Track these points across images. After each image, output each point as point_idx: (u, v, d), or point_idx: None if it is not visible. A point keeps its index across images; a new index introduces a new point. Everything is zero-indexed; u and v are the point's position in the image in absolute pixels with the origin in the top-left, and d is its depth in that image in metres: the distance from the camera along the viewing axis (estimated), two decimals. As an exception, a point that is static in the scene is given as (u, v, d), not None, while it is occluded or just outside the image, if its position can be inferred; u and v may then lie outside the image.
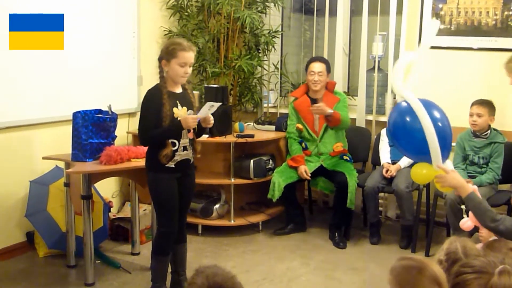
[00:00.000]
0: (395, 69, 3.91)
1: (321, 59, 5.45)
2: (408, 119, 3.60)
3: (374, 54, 5.85)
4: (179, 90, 3.86)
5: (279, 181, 5.27)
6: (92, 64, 5.22)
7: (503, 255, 2.19)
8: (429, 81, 5.52)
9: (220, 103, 3.84)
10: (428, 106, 3.48)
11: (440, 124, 3.41)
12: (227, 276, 1.88)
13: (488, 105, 4.87)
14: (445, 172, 3.25)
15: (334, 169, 5.30)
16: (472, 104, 4.92)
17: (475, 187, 3.19)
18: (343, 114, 5.30)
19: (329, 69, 5.40)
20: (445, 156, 3.39)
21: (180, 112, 3.77)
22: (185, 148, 3.84)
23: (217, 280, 1.82)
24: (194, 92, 4.88)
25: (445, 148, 3.39)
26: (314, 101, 5.36)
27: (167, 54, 3.74)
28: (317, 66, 5.33)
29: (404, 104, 3.73)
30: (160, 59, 3.79)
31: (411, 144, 3.54)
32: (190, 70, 3.79)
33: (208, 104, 3.75)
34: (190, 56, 3.75)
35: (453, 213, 4.63)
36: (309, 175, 5.30)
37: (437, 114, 3.45)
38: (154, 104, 3.72)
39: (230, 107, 5.66)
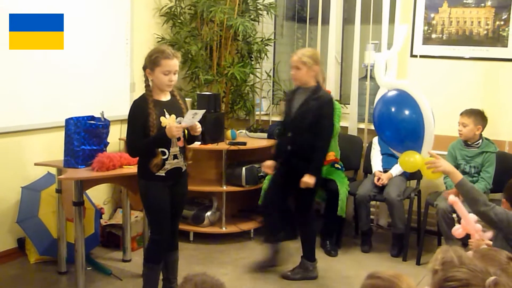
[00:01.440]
0: (376, 69, 4.04)
1: None
2: (393, 109, 3.71)
3: (366, 62, 5.87)
4: (166, 98, 3.82)
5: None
6: (85, 70, 5.22)
7: (503, 265, 2.18)
8: (421, 90, 5.54)
9: (204, 111, 3.77)
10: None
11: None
12: (216, 284, 1.87)
13: (474, 115, 4.89)
14: (436, 158, 3.33)
15: (326, 177, 5.29)
16: (460, 114, 4.96)
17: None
18: None
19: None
20: None
21: (167, 120, 3.73)
22: (175, 157, 3.81)
23: (205, 287, 1.82)
24: (186, 99, 4.88)
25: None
26: None
27: (150, 63, 3.69)
28: None
29: (389, 94, 3.80)
30: (144, 68, 3.74)
31: (397, 134, 3.64)
32: (175, 77, 3.74)
33: (191, 112, 3.68)
34: (174, 63, 3.69)
35: (445, 222, 4.65)
36: None
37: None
38: (140, 115, 3.68)
39: (222, 114, 5.67)
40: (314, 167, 4.47)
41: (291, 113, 4.51)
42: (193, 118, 3.70)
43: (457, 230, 3.29)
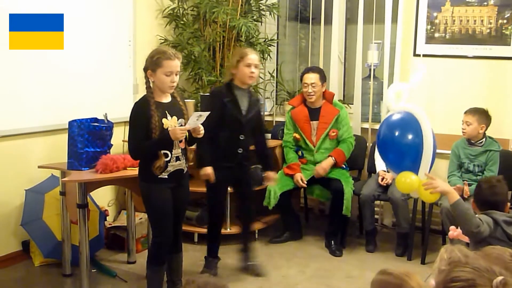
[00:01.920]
0: (386, 99, 4.11)
1: (314, 69, 5.41)
2: (397, 133, 3.77)
3: (369, 62, 5.87)
4: (167, 99, 3.81)
5: (275, 189, 5.27)
6: (88, 72, 5.22)
7: (507, 263, 2.17)
8: (424, 89, 5.54)
9: (208, 113, 3.75)
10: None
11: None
12: (219, 285, 1.87)
13: (478, 113, 4.89)
14: (433, 179, 3.40)
15: (330, 176, 5.30)
16: (464, 113, 4.95)
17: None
18: (344, 141, 5.38)
19: (323, 78, 5.37)
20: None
21: (169, 122, 3.73)
22: (178, 159, 3.80)
23: None
24: (189, 100, 4.89)
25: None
26: (311, 110, 5.38)
27: (152, 64, 3.67)
28: (310, 78, 5.29)
29: (393, 118, 3.86)
30: (145, 70, 3.73)
31: (398, 158, 3.69)
32: (177, 78, 3.73)
33: (196, 114, 3.67)
34: (176, 64, 3.68)
35: (449, 221, 4.63)
36: (305, 182, 5.30)
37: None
38: (142, 116, 3.67)
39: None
40: (271, 163, 4.84)
41: (241, 115, 4.45)
42: (197, 120, 3.69)
43: (451, 231, 3.42)
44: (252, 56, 4.41)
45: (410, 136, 3.69)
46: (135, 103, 3.79)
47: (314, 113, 5.37)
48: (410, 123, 3.72)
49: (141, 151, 3.75)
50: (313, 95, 5.28)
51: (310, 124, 5.37)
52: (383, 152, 3.98)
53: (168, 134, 3.65)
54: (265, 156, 4.73)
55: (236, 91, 4.44)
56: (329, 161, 5.31)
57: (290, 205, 5.55)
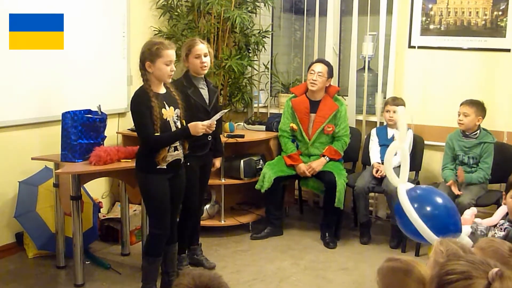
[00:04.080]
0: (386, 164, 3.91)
1: (325, 62, 5.40)
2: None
3: (364, 54, 5.86)
4: (163, 90, 3.83)
5: (269, 173, 5.27)
6: (82, 64, 5.19)
7: (505, 258, 2.16)
8: (419, 81, 5.53)
9: (227, 110, 3.92)
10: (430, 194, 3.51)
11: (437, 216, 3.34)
12: (213, 276, 1.89)
13: (475, 105, 4.89)
14: None
15: (324, 169, 5.29)
16: (461, 104, 4.95)
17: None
18: (339, 139, 5.38)
19: (331, 74, 5.35)
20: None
21: (168, 112, 3.77)
22: (176, 149, 3.85)
23: (203, 280, 1.84)
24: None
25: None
26: (312, 102, 5.37)
27: (151, 55, 3.70)
28: (318, 67, 5.30)
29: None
30: (143, 61, 3.74)
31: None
32: (173, 67, 3.78)
33: (221, 111, 3.91)
34: (173, 53, 3.77)
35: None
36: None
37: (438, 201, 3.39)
38: (145, 107, 3.68)
39: (220, 107, 5.64)
40: (222, 149, 4.85)
41: (206, 104, 4.42)
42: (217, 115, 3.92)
43: None
44: (200, 46, 4.36)
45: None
46: (135, 93, 3.80)
47: (314, 106, 5.36)
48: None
49: (158, 140, 3.75)
50: (315, 84, 5.25)
51: (309, 116, 5.36)
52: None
53: (187, 128, 3.77)
54: (218, 142, 4.71)
55: (194, 81, 4.41)
56: (322, 161, 5.32)
57: (280, 196, 5.53)
